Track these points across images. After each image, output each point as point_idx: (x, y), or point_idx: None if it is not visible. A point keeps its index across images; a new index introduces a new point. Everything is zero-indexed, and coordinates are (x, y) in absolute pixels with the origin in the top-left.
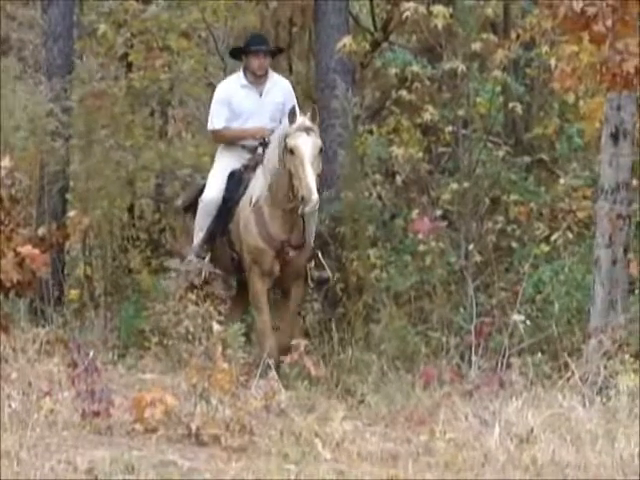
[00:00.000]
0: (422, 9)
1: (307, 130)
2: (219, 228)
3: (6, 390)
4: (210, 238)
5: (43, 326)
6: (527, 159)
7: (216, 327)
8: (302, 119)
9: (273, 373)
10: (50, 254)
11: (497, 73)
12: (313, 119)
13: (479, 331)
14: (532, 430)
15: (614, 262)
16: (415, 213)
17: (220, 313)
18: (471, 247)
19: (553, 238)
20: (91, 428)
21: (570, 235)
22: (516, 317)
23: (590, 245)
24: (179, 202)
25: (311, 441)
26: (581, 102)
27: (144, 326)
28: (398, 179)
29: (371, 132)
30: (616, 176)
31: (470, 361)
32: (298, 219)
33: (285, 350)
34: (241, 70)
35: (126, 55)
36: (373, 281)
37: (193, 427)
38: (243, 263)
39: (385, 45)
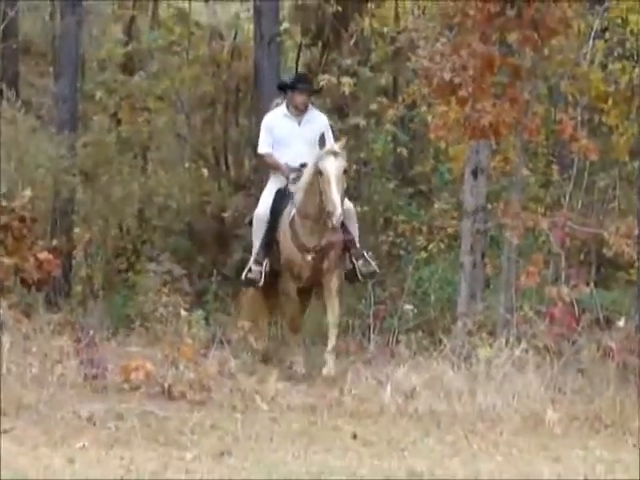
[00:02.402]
0: (333, 79)
1: (334, 154)
2: (270, 238)
3: (28, 359)
4: (266, 247)
5: (55, 313)
6: (411, 189)
7: (183, 313)
8: (331, 144)
9: (300, 359)
10: (61, 259)
11: (389, 126)
12: (342, 145)
13: (376, 315)
14: (415, 388)
15: (474, 265)
16: None
17: (186, 302)
18: (370, 254)
19: (430, 247)
20: (91, 387)
21: (442, 245)
22: (407, 307)
23: (457, 253)
24: (247, 220)
25: (252, 396)
26: (450, 148)
27: (130, 312)
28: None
29: None
30: (475, 202)
31: (369, 338)
32: (326, 227)
33: (335, 326)
34: (284, 103)
35: (116, 113)
36: None
37: (166, 386)
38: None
39: None
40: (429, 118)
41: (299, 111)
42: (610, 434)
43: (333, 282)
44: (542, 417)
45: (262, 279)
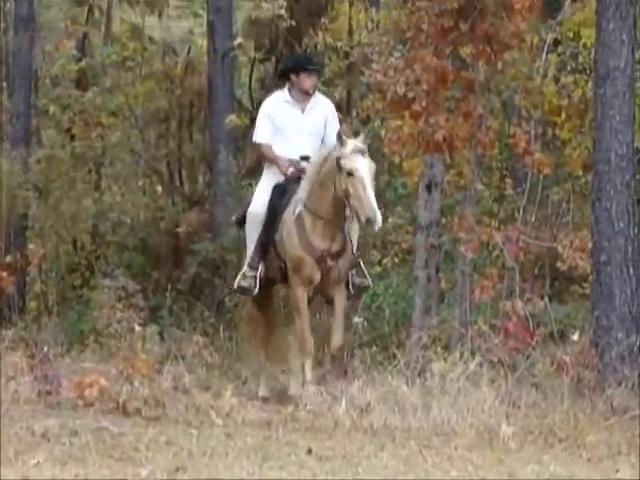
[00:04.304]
0: None
1: (362, 152)
2: (267, 239)
3: None
4: (262, 249)
5: (9, 329)
6: None
7: (137, 328)
8: (355, 141)
9: (309, 374)
10: (15, 276)
11: None
12: (365, 141)
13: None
14: (370, 403)
15: (429, 279)
16: None
17: (140, 318)
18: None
19: (384, 262)
20: (45, 403)
21: (396, 260)
22: (356, 320)
23: (411, 267)
24: (233, 217)
25: (207, 412)
26: (404, 162)
27: (84, 328)
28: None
29: (251, 185)
30: (430, 216)
31: (323, 352)
32: (338, 229)
33: (340, 348)
34: (285, 88)
35: (70, 129)
36: None
37: (120, 402)
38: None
39: None
40: (383, 132)
41: (303, 95)
42: (564, 448)
43: (341, 297)
44: (496, 431)
45: (257, 286)
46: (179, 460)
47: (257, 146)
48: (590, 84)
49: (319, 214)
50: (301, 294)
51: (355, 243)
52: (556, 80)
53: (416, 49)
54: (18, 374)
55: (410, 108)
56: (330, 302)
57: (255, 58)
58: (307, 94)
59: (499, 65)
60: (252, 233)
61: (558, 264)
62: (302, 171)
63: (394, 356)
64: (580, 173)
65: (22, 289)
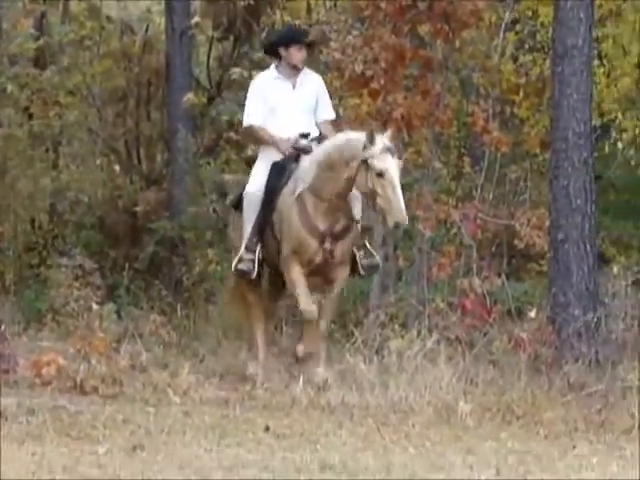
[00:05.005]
0: (245, 73)
1: (391, 151)
2: (265, 220)
3: None
4: (259, 231)
5: None
6: None
7: (94, 307)
8: (384, 139)
9: (320, 368)
10: None
11: None
12: (392, 139)
13: (288, 308)
14: (327, 380)
15: (386, 258)
16: None
17: (97, 296)
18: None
19: None
20: (2, 382)
21: None
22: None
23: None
24: (228, 200)
25: (165, 390)
26: None
27: (42, 307)
28: (229, 197)
29: (209, 163)
30: None
31: (281, 330)
32: (341, 211)
33: (327, 333)
34: (272, 66)
35: (27, 107)
36: (211, 273)
37: (78, 380)
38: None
39: (219, 99)
40: (341, 111)
41: (293, 70)
42: (522, 425)
43: (341, 278)
44: (454, 409)
45: (255, 269)
46: (137, 438)
47: (248, 129)
48: (548, 62)
49: (323, 196)
50: (298, 271)
51: (359, 222)
52: (514, 58)
53: (374, 27)
54: None
55: (368, 86)
56: (329, 283)
57: (213, 37)
58: (296, 69)
59: (457, 43)
60: (249, 214)
61: (515, 242)
62: (303, 150)
63: (352, 334)
64: (538, 151)
65: None
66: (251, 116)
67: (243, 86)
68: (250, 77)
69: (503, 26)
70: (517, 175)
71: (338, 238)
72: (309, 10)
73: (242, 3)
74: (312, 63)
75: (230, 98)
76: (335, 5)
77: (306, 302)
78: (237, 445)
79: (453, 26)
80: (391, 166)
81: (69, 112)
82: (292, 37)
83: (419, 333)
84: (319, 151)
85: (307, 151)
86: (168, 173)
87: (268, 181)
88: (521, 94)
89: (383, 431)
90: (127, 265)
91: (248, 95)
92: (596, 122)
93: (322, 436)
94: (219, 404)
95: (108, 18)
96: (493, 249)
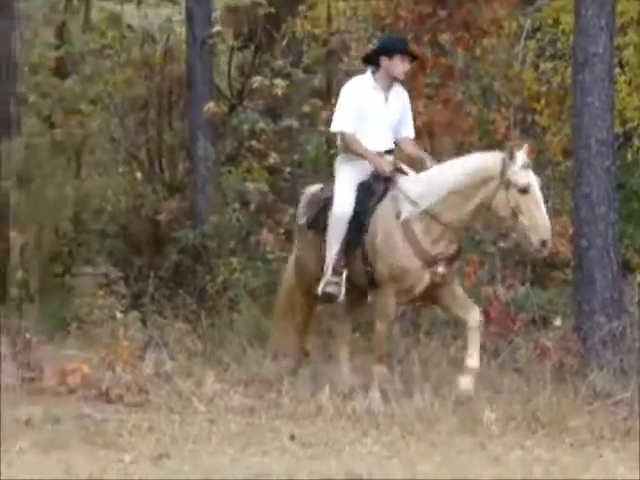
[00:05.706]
0: (266, 81)
1: (531, 167)
2: (353, 241)
3: None
4: (347, 253)
5: None
6: None
7: (119, 315)
8: (523, 155)
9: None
10: None
11: (322, 128)
12: (528, 154)
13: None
14: (353, 389)
15: None
16: (264, 231)
17: (122, 305)
18: None
19: None
20: (28, 390)
21: None
22: None
23: None
24: (302, 220)
25: (190, 398)
26: None
27: (66, 315)
28: (251, 206)
29: (230, 172)
30: None
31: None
32: (455, 235)
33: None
34: (368, 72)
35: (49, 117)
36: (234, 281)
37: (103, 388)
38: (375, 276)
39: (240, 108)
40: None
41: (392, 83)
42: (547, 433)
43: (458, 290)
44: (479, 417)
45: (343, 292)
46: (162, 446)
47: (341, 135)
48: (569, 70)
49: (440, 221)
50: (393, 302)
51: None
52: (535, 66)
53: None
54: (1, 362)
55: None
56: (435, 302)
57: (234, 45)
58: (395, 80)
59: (478, 51)
60: (336, 235)
61: None
62: (399, 170)
63: None
64: (560, 159)
65: (3, 277)
66: (343, 122)
67: (264, 95)
68: (272, 85)
69: (524, 34)
70: (540, 183)
71: (449, 262)
72: (330, 19)
73: (263, 12)
74: (333, 72)
75: (251, 107)
76: (355, 14)
77: (383, 342)
78: (262, 454)
79: (473, 34)
80: (534, 181)
81: (91, 121)
82: (398, 47)
83: (444, 341)
84: (448, 177)
85: (405, 174)
86: (190, 182)
87: (357, 202)
88: (543, 102)
89: (408, 440)
90: (151, 273)
91: (341, 98)
92: (618, 130)
93: (347, 445)
94: (244, 412)
95: (129, 27)
96: (517, 257)
